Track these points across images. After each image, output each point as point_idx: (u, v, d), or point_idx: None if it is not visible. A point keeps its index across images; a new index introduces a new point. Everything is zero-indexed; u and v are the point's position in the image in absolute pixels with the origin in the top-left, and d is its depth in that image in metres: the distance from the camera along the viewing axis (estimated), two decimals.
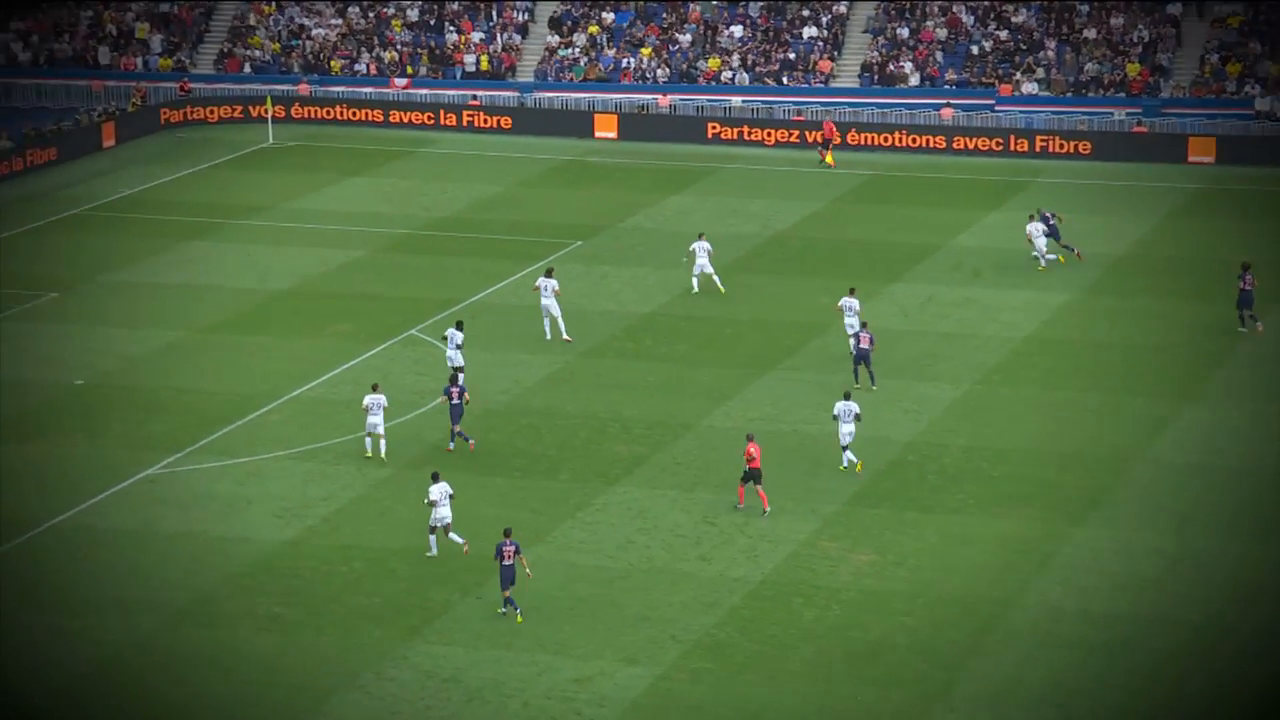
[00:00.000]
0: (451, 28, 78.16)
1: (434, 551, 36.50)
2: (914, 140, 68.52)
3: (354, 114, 72.50)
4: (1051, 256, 54.15)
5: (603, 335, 48.96)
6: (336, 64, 77.00)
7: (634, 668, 32.55)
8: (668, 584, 35.54)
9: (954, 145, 68.14)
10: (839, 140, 67.80)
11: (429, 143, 70.44)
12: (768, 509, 38.28)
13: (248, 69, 77.33)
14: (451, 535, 36.52)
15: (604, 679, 32.15)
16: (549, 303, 48.00)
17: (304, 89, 74.89)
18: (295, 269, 54.72)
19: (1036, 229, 54.00)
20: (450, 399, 41.43)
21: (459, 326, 44.93)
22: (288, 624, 33.93)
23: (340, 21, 78.78)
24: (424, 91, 75.21)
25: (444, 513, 36.29)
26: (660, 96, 73.64)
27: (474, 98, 74.08)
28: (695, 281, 52.00)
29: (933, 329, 49.56)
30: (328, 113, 72.68)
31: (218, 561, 36.23)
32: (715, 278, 51.96)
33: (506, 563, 34.13)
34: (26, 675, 31.98)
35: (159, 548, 36.85)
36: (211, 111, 72.47)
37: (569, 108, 73.07)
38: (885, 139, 68.69)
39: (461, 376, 42.65)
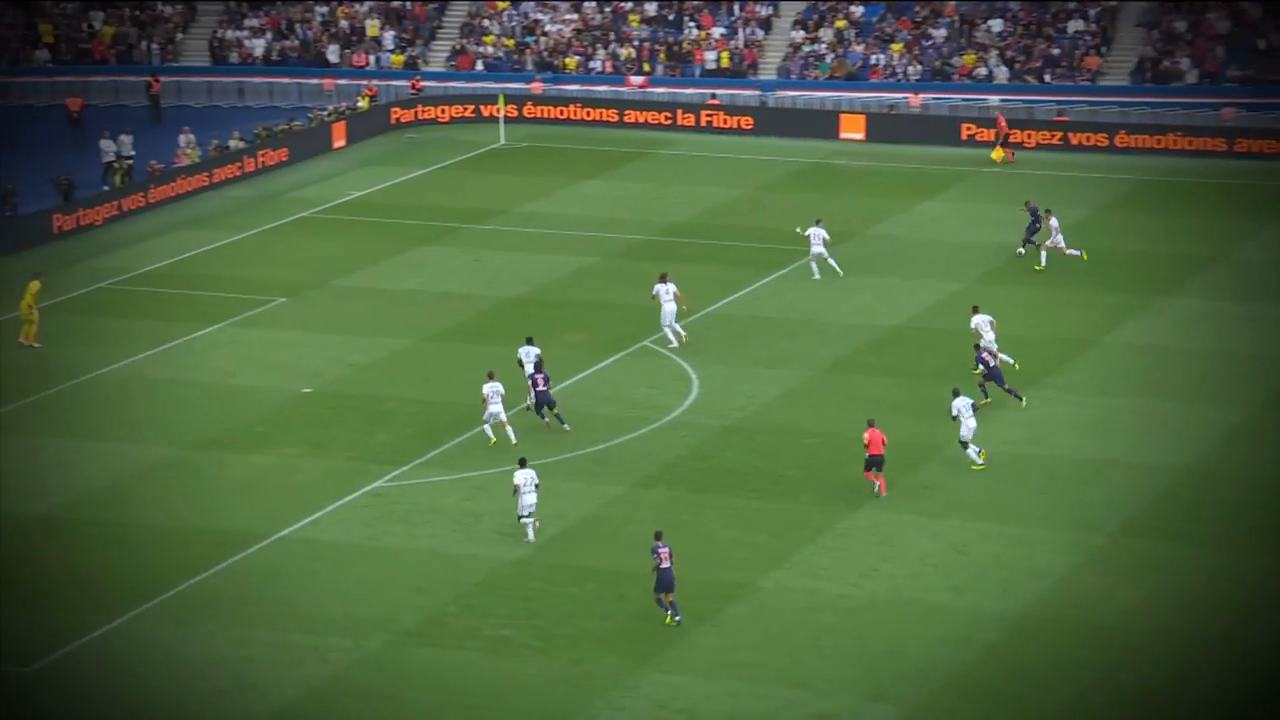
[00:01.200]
0: (691, 23, 78.56)
1: (530, 538, 37.75)
2: (1190, 142, 67.08)
3: (588, 113, 73.25)
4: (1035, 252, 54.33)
5: (847, 349, 48.74)
6: (571, 61, 77.90)
7: (880, 705, 32.33)
8: (917, 616, 35.23)
9: (1235, 148, 66.50)
10: (1009, 136, 66.74)
11: (666, 144, 70.87)
12: (884, 494, 39.67)
13: (480, 66, 78.65)
14: (524, 521, 37.76)
15: (849, 717, 31.98)
16: (671, 308, 48.55)
17: (537, 87, 75.90)
18: (526, 275, 55.45)
19: (1053, 224, 54.38)
20: (536, 386, 43.38)
21: (530, 342, 45.12)
22: (516, 646, 34.37)
23: (575, 17, 79.71)
24: (661, 90, 75.73)
25: (530, 500, 37.64)
26: (911, 95, 73.11)
27: (713, 96, 74.33)
28: (814, 267, 53.64)
29: (1206, 347, 48.44)
30: (561, 112, 73.57)
31: (445, 579, 36.84)
32: (832, 260, 53.72)
33: (664, 565, 34.60)
34: (250, 693, 32.85)
35: (385, 564, 37.59)
36: (443, 111, 73.83)
37: (813, 107, 72.93)
38: (1158, 141, 67.35)
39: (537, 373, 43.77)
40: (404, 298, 53.63)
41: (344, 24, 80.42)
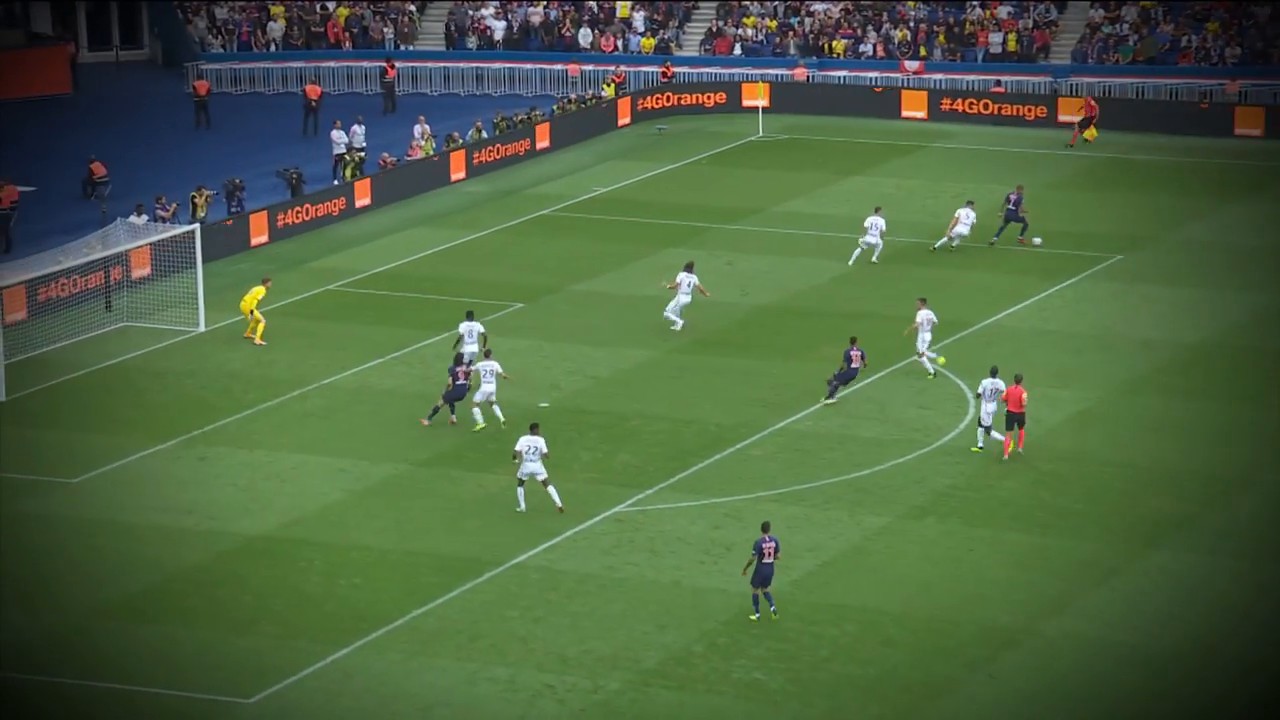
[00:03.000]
0: (975, 1, 77.74)
1: (522, 507, 39.78)
2: None
3: (856, 103, 72.90)
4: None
5: (1143, 368, 47.77)
6: (839, 44, 77.61)
7: None
8: (1219, 669, 34.34)
9: None
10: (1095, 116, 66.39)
11: (943, 136, 70.25)
12: (1007, 454, 42.20)
13: (738, 50, 78.76)
14: (550, 489, 39.87)
15: None
16: (686, 299, 50.21)
17: (801, 73, 75.76)
18: (782, 281, 55.34)
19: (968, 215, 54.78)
20: (456, 379, 44.76)
21: (470, 316, 47.79)
22: (769, 692, 34.24)
23: None
24: (939, 76, 75.08)
25: (533, 468, 39.69)
26: (1229, 81, 71.39)
27: (998, 83, 73.49)
28: (859, 252, 55.22)
29: None
30: (826, 101, 73.32)
31: (691, 616, 36.85)
32: (879, 247, 55.40)
33: (766, 560, 35.64)
34: None
35: (626, 596, 37.73)
36: (696, 99, 74.08)
37: (1114, 94, 71.66)
38: None
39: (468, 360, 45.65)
40: (650, 304, 53.85)
41: (593, 4, 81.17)
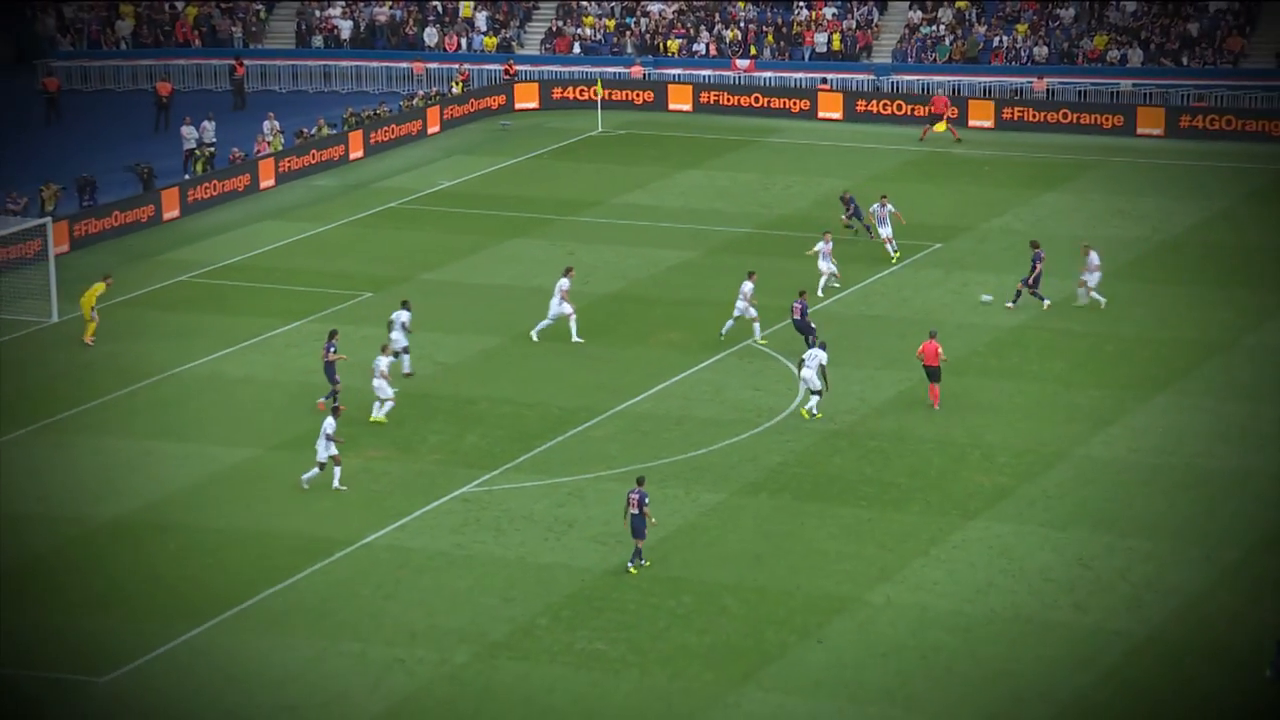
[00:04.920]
0: (801, 3, 78.35)
1: (306, 484, 40.88)
2: None
3: (690, 99, 73.21)
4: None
5: (963, 350, 48.43)
6: (673, 44, 77.91)
7: None
8: (1035, 635, 34.94)
9: None
10: (951, 114, 67.83)
11: (772, 131, 70.74)
12: (937, 406, 44.02)
13: (577, 49, 78.80)
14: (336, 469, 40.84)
15: None
16: (560, 304, 49.56)
17: (637, 71, 75.96)
18: (622, 270, 55.49)
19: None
20: (324, 357, 45.19)
21: (405, 306, 47.41)
22: (610, 661, 34.39)
23: None
24: (768, 74, 75.60)
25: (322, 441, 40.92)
26: (1036, 80, 72.54)
27: (823, 81, 74.13)
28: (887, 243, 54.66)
29: None
30: (660, 98, 73.57)
31: (535, 590, 36.93)
32: (891, 242, 54.57)
33: (632, 511, 36.75)
34: (330, 707, 33.01)
35: (474, 572, 37.73)
36: (537, 96, 74.06)
37: (931, 92, 72.54)
38: None
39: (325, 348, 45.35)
40: (495, 293, 53.81)
41: (437, 4, 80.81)
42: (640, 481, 37.59)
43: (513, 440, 43.77)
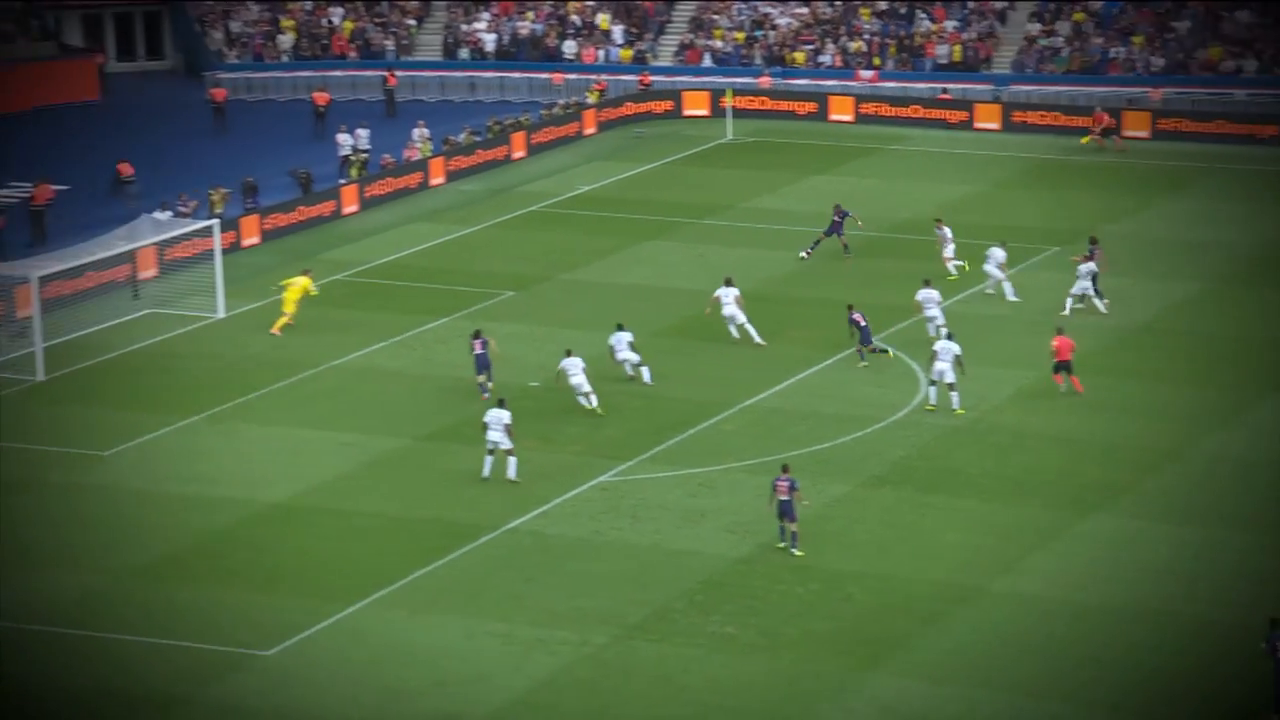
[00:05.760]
0: (923, 15, 77.88)
1: (486, 474, 40.56)
2: None
3: (817, 108, 73.02)
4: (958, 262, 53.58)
5: (1088, 348, 47.95)
6: (800, 55, 77.73)
7: (1119, 714, 31.81)
8: (1153, 627, 34.58)
9: None
10: (1109, 124, 66.65)
11: (896, 139, 70.39)
12: (1080, 390, 44.26)
13: (708, 60, 78.82)
14: (510, 460, 40.56)
15: None
16: (733, 312, 48.72)
17: (765, 81, 75.87)
18: (751, 271, 55.43)
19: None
20: (474, 350, 45.38)
21: (620, 327, 46.89)
22: (741, 645, 34.43)
23: (805, 10, 79.50)
24: (891, 84, 75.25)
25: (496, 437, 40.52)
26: (1152, 90, 71.66)
27: (944, 91, 73.66)
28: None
29: None
30: (790, 107, 73.42)
31: (670, 576, 37.02)
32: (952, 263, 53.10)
33: (782, 498, 36.89)
34: (478, 684, 33.31)
35: (611, 558, 37.89)
36: (670, 105, 74.14)
37: (1051, 101, 71.84)
38: None
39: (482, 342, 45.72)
40: (630, 292, 53.96)
41: (575, 19, 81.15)
42: (785, 469, 37.65)
43: (648, 432, 43.90)
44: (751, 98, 73.29)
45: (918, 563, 37.19)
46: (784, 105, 73.24)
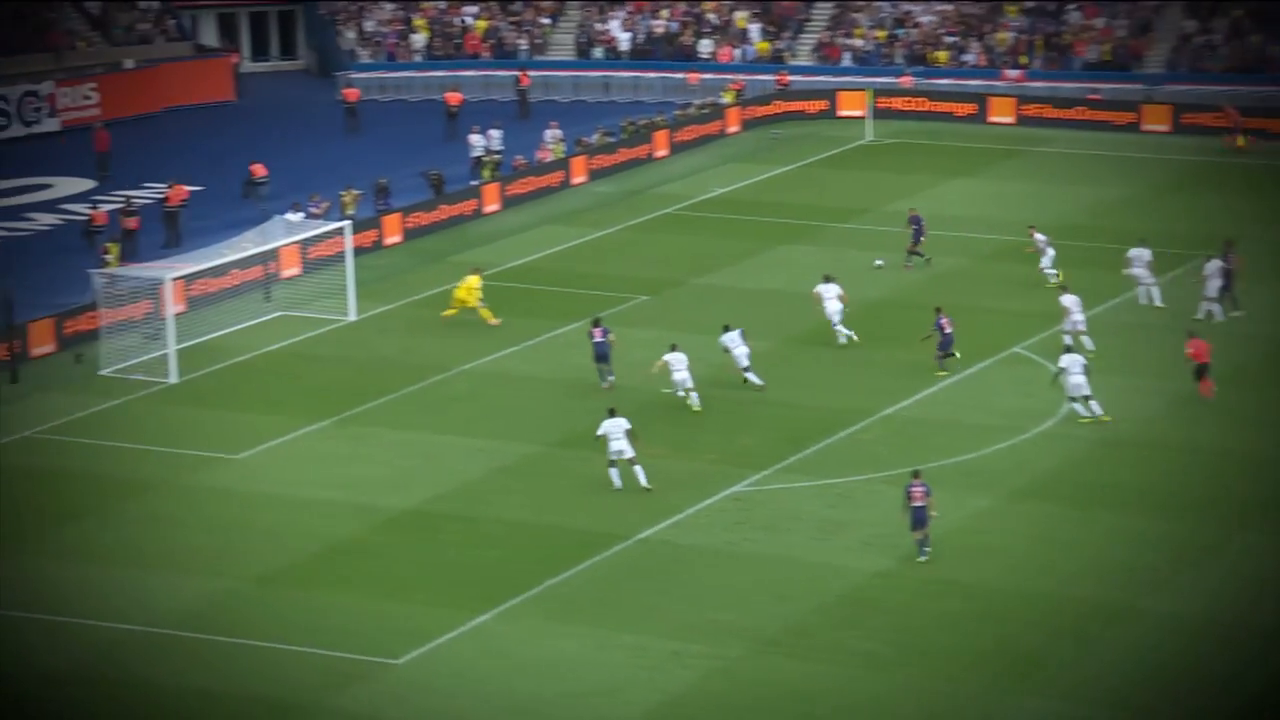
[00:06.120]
0: (1073, 8, 76.90)
1: (617, 485, 40.36)
2: None
3: (960, 108, 72.37)
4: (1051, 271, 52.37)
5: (1246, 358, 47.00)
6: (943, 54, 77.07)
7: None
8: None
9: None
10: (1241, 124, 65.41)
11: (1043, 141, 69.59)
12: (1212, 396, 43.92)
13: (848, 60, 78.36)
14: (636, 468, 40.39)
15: None
16: (835, 309, 48.78)
17: (906, 81, 75.30)
18: (888, 277, 54.99)
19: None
20: (593, 339, 46.22)
21: (727, 328, 46.81)
22: (881, 661, 34.06)
23: (949, 7, 78.82)
24: (1038, 84, 74.37)
25: (619, 447, 40.33)
26: None
27: (1094, 91, 72.69)
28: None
29: None
30: (932, 107, 72.82)
31: (807, 589, 36.74)
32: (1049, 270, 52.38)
33: (916, 504, 36.70)
34: (610, 696, 33.20)
35: (746, 570, 37.66)
36: (809, 105, 73.81)
37: (1203, 101, 70.69)
38: None
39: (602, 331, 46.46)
40: (766, 297, 53.73)
41: (711, 16, 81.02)
42: (917, 474, 37.38)
43: (784, 441, 43.64)
44: (908, 99, 72.71)
45: (1064, 579, 36.64)
46: (941, 106, 72.60)
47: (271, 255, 53.74)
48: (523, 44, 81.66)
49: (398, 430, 44.87)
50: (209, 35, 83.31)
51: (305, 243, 54.80)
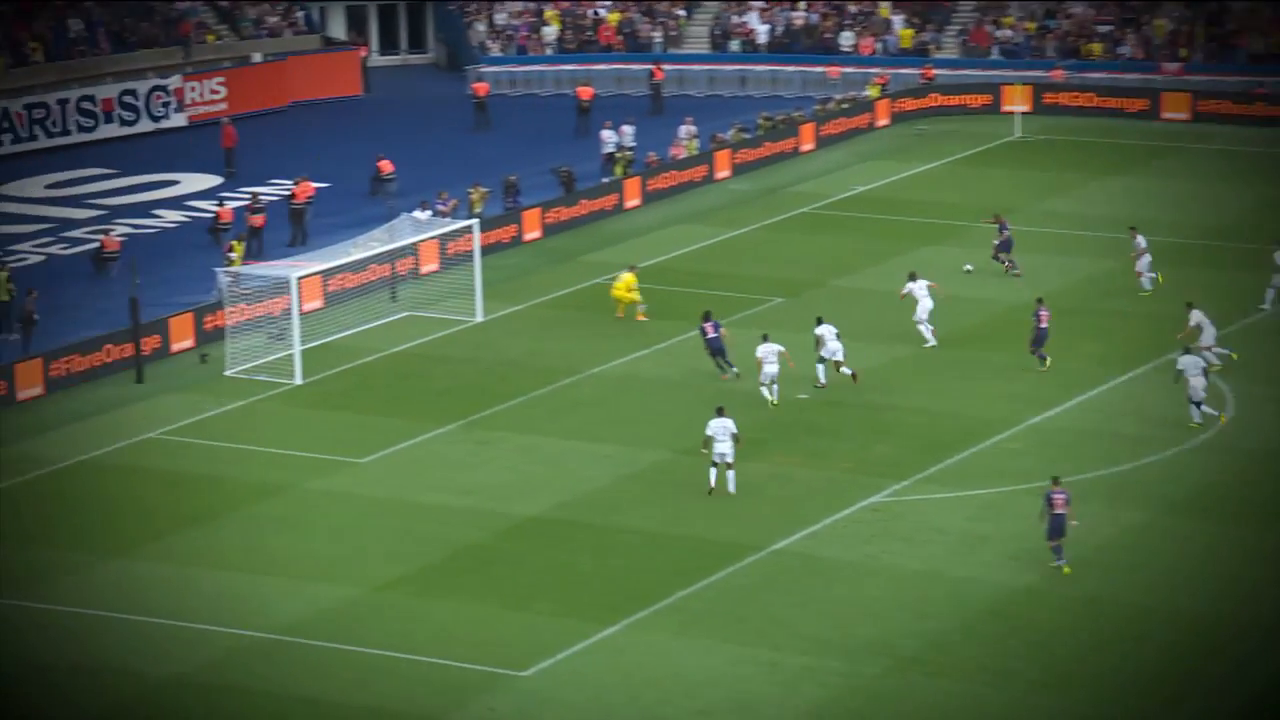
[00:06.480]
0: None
1: (713, 484, 40.83)
2: None
3: (1115, 103, 71.44)
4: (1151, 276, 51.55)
5: None
6: (1096, 46, 76.09)
7: None
8: None
9: None
10: None
11: (1204, 137, 68.52)
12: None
13: (996, 53, 77.60)
14: (729, 474, 40.76)
15: None
16: (928, 306, 48.73)
17: (1058, 75, 74.43)
18: (1039, 279, 54.33)
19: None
20: (705, 334, 46.93)
21: (819, 322, 47.35)
22: (1025, 682, 33.61)
23: None
24: (1198, 77, 73.21)
25: (723, 449, 40.54)
26: None
27: (1259, 84, 71.41)
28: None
29: None
30: (1085, 102, 71.92)
31: (948, 605, 36.35)
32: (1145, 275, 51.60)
33: (1057, 511, 36.36)
34: (743, 714, 32.93)
35: (885, 584, 37.34)
36: (954, 100, 73.19)
37: None
38: None
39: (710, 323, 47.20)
40: (908, 300, 53.24)
41: (853, 7, 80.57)
42: (1056, 481, 37.10)
43: (923, 450, 43.24)
44: (1073, 94, 71.84)
45: (1220, 599, 35.99)
46: (1108, 101, 71.61)
47: (398, 254, 54.04)
48: (657, 36, 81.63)
49: (524, 435, 44.95)
50: (337, 28, 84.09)
51: (433, 240, 55.04)
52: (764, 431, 44.31)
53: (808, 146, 68.77)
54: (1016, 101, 70.86)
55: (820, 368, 46.93)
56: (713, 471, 41.08)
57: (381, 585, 37.70)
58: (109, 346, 49.20)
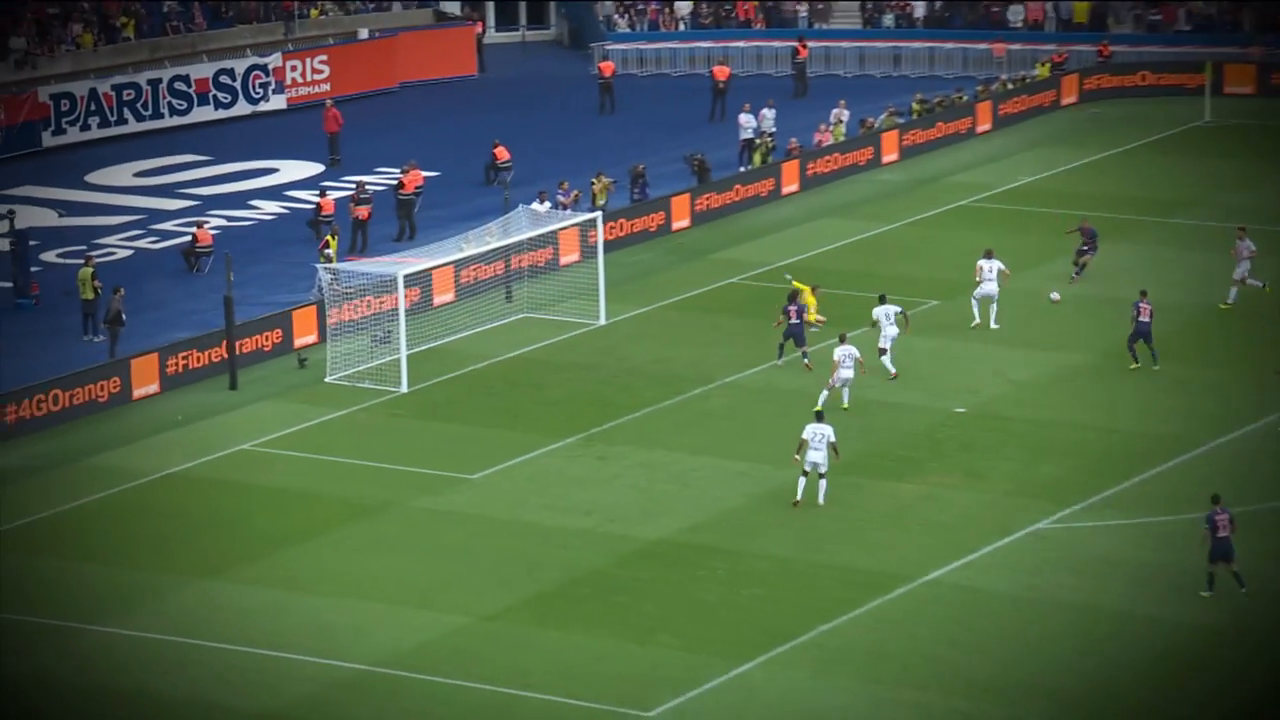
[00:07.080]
0: None
1: (798, 498, 41.10)
2: None
3: None
4: None
5: None
6: None
7: None
8: None
9: None
10: None
11: None
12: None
13: (1185, 26, 76.89)
14: (822, 483, 41.24)
15: None
16: (992, 290, 50.43)
17: (1255, 52, 73.62)
18: (1220, 282, 53.71)
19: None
20: (789, 319, 48.17)
21: (882, 300, 48.46)
22: None
23: None
24: None
25: (816, 458, 41.04)
26: None
27: None
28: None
29: None
30: None
31: (1119, 645, 36.07)
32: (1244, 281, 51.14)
33: (1221, 535, 36.52)
34: None
35: (1047, 619, 37.13)
36: (1135, 80, 72.64)
37: None
38: None
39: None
40: (1074, 305, 52.93)
41: None
42: (1217, 500, 37.01)
43: (1093, 472, 43.00)
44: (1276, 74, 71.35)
45: None
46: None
47: (515, 249, 54.39)
48: (801, 11, 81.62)
49: (649, 450, 45.11)
50: (450, 3, 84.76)
51: (552, 236, 55.36)
52: (915, 449, 44.16)
53: (987, 126, 68.42)
54: (1205, 82, 70.05)
55: (886, 359, 47.14)
56: (802, 481, 41.21)
57: (492, 614, 37.97)
58: (194, 352, 49.56)
